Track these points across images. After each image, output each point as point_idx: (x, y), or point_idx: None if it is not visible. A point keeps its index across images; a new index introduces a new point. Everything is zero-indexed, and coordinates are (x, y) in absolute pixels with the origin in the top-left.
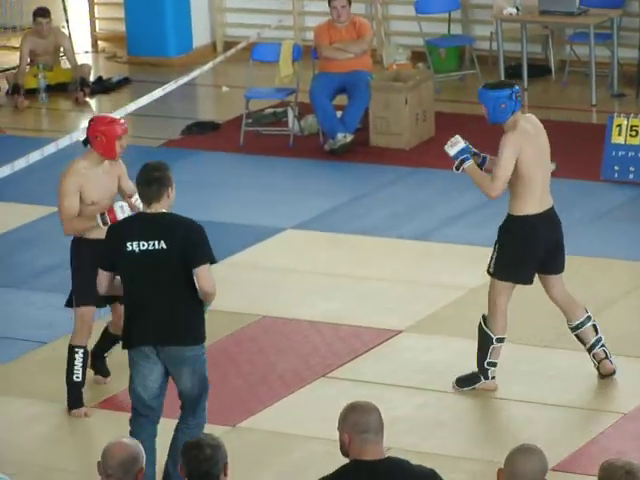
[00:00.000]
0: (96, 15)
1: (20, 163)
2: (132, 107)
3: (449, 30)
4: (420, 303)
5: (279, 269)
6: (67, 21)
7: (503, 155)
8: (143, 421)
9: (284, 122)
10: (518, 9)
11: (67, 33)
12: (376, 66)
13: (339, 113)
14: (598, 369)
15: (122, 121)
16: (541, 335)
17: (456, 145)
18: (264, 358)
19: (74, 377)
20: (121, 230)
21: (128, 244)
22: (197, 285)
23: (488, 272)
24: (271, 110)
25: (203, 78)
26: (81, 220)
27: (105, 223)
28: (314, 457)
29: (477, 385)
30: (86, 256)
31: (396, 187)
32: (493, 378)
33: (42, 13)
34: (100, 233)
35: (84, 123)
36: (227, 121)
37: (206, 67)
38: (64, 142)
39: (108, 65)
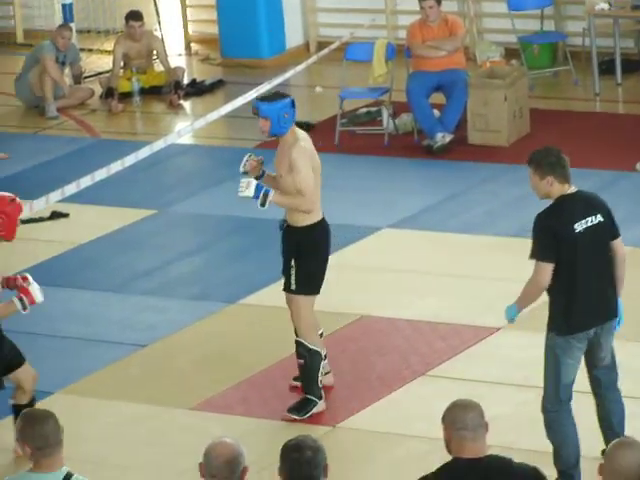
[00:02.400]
0: (189, 18)
1: (115, 167)
2: (226, 109)
3: (542, 26)
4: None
5: (376, 268)
6: (159, 24)
7: (301, 166)
8: (568, 408)
9: (378, 121)
10: (610, 4)
11: (160, 36)
12: (469, 64)
13: (436, 112)
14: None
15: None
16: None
17: (250, 186)
18: (363, 358)
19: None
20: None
21: (575, 226)
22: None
23: (290, 290)
24: (365, 109)
25: (297, 79)
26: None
27: (25, 308)
28: (414, 456)
29: (315, 409)
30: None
31: (493, 184)
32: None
33: (135, 17)
34: None
35: (178, 126)
36: (321, 121)
37: (299, 68)
38: (159, 145)
39: (201, 67)
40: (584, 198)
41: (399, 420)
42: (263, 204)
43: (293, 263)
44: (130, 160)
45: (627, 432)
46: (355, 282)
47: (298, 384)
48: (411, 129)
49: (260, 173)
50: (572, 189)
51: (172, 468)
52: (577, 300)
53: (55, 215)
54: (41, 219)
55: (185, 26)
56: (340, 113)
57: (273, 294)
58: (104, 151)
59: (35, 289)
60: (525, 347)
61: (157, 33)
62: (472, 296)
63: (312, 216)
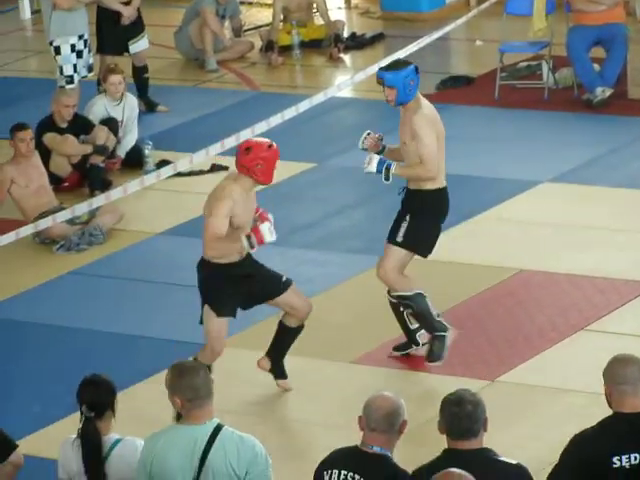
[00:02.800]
0: None
1: (275, 120)
2: (386, 61)
3: None
4: (623, 252)
5: (535, 223)
6: None
7: (423, 134)
8: None
9: (538, 75)
10: None
11: None
12: (628, 18)
13: (596, 66)
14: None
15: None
16: None
17: (372, 161)
18: (522, 312)
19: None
20: None
21: None
22: None
23: (394, 241)
24: (525, 64)
25: (456, 32)
26: (225, 240)
27: (252, 247)
28: (574, 410)
29: (448, 343)
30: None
31: None
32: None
33: None
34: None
35: (338, 79)
36: (481, 75)
37: (459, 21)
38: (318, 98)
39: (361, 21)
40: None
41: (558, 374)
42: (387, 178)
43: (408, 218)
44: (290, 113)
45: None
46: (514, 236)
47: (398, 354)
48: (571, 83)
49: (380, 149)
50: None
51: (333, 421)
52: None
53: (215, 168)
54: (201, 172)
55: None
56: (500, 67)
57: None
58: (264, 104)
59: (265, 228)
60: None
61: None
62: (631, 250)
63: (435, 182)
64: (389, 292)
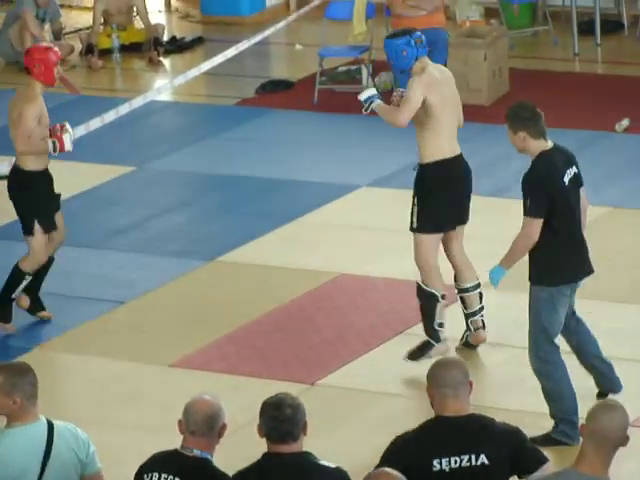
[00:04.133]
0: None
1: (95, 123)
2: (206, 66)
3: None
4: (496, 260)
5: (354, 227)
6: None
7: (410, 92)
8: (559, 352)
9: (358, 80)
10: None
11: None
12: (449, 23)
13: None
14: (467, 337)
15: (56, 48)
16: (618, 291)
17: (366, 91)
18: (341, 316)
19: (12, 295)
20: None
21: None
22: None
23: (411, 229)
24: (345, 68)
25: (276, 36)
26: (31, 144)
27: (55, 150)
28: (393, 414)
29: (431, 352)
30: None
31: (472, 144)
32: (445, 340)
33: None
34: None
35: (158, 83)
36: (301, 79)
37: (279, 25)
38: (138, 102)
39: (181, 24)
40: (561, 151)
41: (377, 378)
42: (366, 110)
43: (415, 200)
44: (110, 117)
45: (627, 395)
46: (333, 240)
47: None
48: (390, 88)
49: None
50: (549, 144)
51: (151, 425)
52: (573, 251)
53: None
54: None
55: None
56: (319, 71)
57: (252, 251)
58: (84, 107)
59: (67, 138)
60: (505, 306)
61: None
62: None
63: (437, 153)
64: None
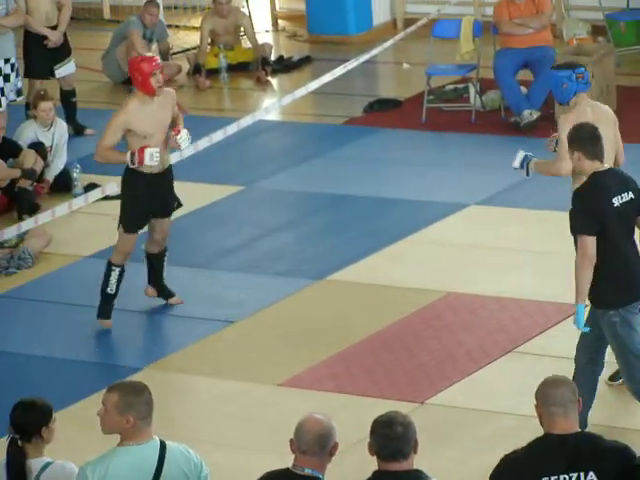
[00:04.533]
0: None
1: (203, 143)
2: (314, 85)
3: (628, 4)
4: None
5: (463, 245)
6: (247, 1)
7: (562, 135)
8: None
9: (465, 98)
10: None
11: (247, 13)
12: (556, 41)
13: (523, 89)
14: None
15: (156, 58)
16: None
17: (517, 156)
18: (450, 334)
19: (108, 289)
20: (603, 189)
21: (613, 200)
22: None
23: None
24: (452, 86)
25: (384, 55)
26: (113, 153)
27: (132, 163)
28: (503, 432)
29: None
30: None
31: None
32: None
33: None
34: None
35: (266, 102)
36: (408, 98)
37: (387, 44)
38: (246, 121)
39: (289, 44)
40: (617, 174)
41: (487, 397)
42: (528, 173)
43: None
44: (218, 136)
45: None
46: (442, 259)
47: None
48: (498, 106)
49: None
50: (604, 166)
51: (261, 445)
52: (628, 272)
53: None
54: None
55: (272, 3)
56: (427, 90)
57: (361, 270)
58: (192, 127)
59: (148, 152)
60: None
61: (244, 10)
62: (557, 272)
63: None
64: None
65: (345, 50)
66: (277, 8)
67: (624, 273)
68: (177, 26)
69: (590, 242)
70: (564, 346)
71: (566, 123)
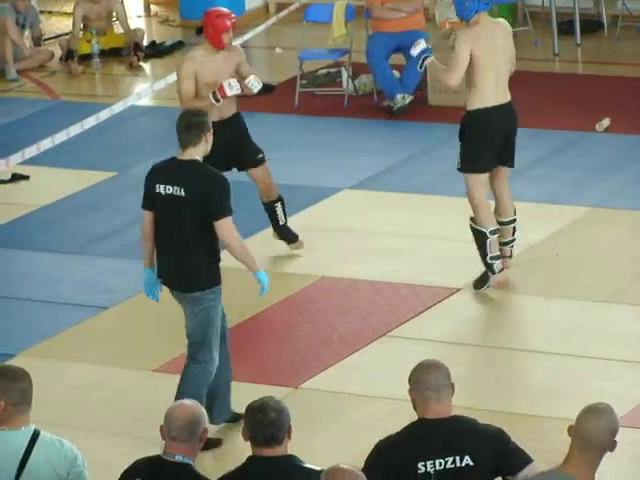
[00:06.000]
0: None
1: (75, 129)
2: None
3: None
4: (477, 261)
5: (337, 229)
6: None
7: (457, 48)
8: None
9: (338, 82)
10: None
11: None
12: (428, 24)
13: (396, 73)
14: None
15: (232, 15)
16: (600, 291)
17: (417, 46)
18: (324, 319)
19: (279, 222)
20: (153, 173)
21: (157, 186)
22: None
23: (458, 169)
24: (325, 71)
25: (256, 40)
26: (197, 99)
27: (217, 100)
28: (378, 416)
29: (490, 282)
30: None
31: (453, 145)
32: (501, 271)
33: None
34: (216, 116)
35: (138, 88)
36: (281, 82)
37: (259, 29)
38: (118, 107)
39: (161, 29)
40: None
41: (361, 381)
42: (421, 66)
43: (459, 143)
44: (90, 122)
45: (584, 392)
46: (315, 243)
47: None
48: (371, 90)
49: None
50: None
51: (136, 431)
52: None
53: (15, 177)
54: (2, 181)
55: None
56: (300, 74)
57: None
58: (64, 113)
59: (226, 83)
60: (483, 307)
61: None
62: (431, 257)
63: (480, 101)
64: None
65: None
66: None
67: None
68: (50, 12)
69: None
70: (438, 330)
71: (465, 37)
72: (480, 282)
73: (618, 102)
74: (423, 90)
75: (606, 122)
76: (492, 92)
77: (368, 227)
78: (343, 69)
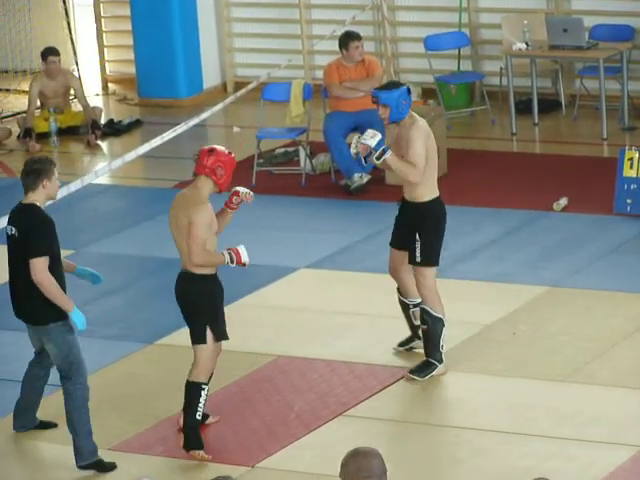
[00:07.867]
0: (106, 58)
1: None
2: (144, 149)
3: (459, 66)
4: None
5: (293, 309)
6: (77, 64)
7: (415, 141)
8: None
9: (296, 161)
10: (527, 44)
11: (77, 75)
12: None
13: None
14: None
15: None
16: (557, 370)
17: (375, 137)
18: (281, 398)
19: (197, 415)
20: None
21: (7, 227)
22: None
23: (415, 263)
24: (282, 150)
25: (214, 119)
26: (213, 255)
27: (233, 262)
28: None
29: (435, 372)
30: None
31: None
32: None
33: (52, 52)
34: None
35: (96, 166)
36: (239, 161)
37: (217, 108)
38: (76, 185)
39: (119, 107)
40: None
41: (318, 460)
42: (379, 157)
43: (418, 237)
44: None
45: (541, 473)
46: (271, 322)
47: (402, 349)
48: (328, 169)
49: (369, 152)
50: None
51: None
52: None
53: None
54: None
55: (102, 66)
56: (257, 153)
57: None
58: (21, 192)
59: (243, 250)
60: (441, 386)
61: (75, 73)
62: (388, 336)
63: (432, 192)
64: (399, 291)
65: (175, 113)
66: (107, 71)
67: None
68: (7, 90)
69: None
70: (394, 409)
71: (419, 132)
72: (423, 370)
73: (576, 182)
74: (380, 169)
75: (564, 201)
76: (436, 183)
77: (324, 306)
78: (301, 148)
